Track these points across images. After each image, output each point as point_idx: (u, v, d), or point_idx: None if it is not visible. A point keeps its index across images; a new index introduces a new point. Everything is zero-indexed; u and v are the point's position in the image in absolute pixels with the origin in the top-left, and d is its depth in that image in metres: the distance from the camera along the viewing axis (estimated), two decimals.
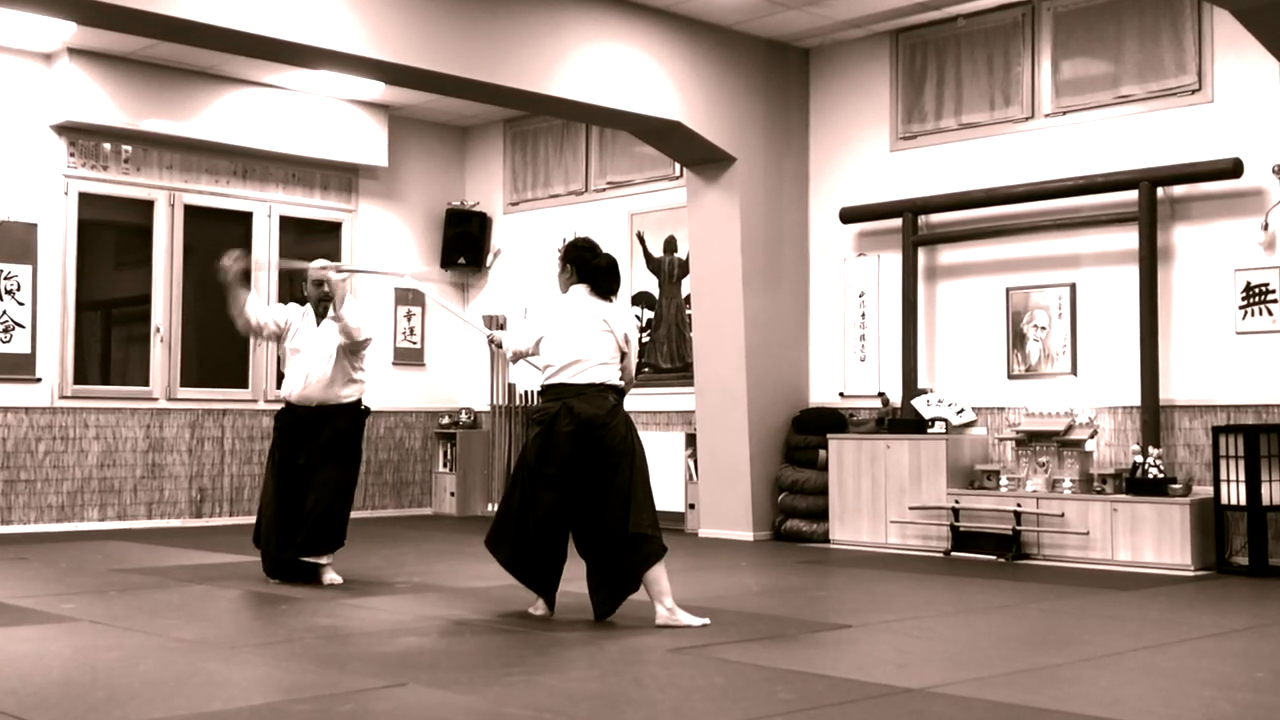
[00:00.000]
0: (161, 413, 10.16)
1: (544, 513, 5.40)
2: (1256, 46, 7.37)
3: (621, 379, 5.52)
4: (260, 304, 6.88)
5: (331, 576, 6.52)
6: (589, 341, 5.44)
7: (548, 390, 5.48)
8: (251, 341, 10.59)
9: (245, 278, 6.70)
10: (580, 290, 5.57)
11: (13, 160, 9.62)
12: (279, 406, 6.85)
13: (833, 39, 9.39)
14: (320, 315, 6.69)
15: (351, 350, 6.65)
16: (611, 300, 5.61)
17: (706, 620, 5.27)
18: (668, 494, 9.63)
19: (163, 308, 10.20)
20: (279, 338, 6.86)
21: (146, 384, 10.15)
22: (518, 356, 5.72)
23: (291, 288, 10.95)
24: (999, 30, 8.70)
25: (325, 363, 6.61)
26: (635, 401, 10.42)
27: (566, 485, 5.35)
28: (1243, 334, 7.64)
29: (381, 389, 11.26)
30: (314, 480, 6.53)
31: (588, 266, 5.58)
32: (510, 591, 6.33)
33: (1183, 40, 7.92)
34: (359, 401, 6.73)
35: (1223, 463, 7.28)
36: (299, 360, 6.68)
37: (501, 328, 11.43)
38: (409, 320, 11.55)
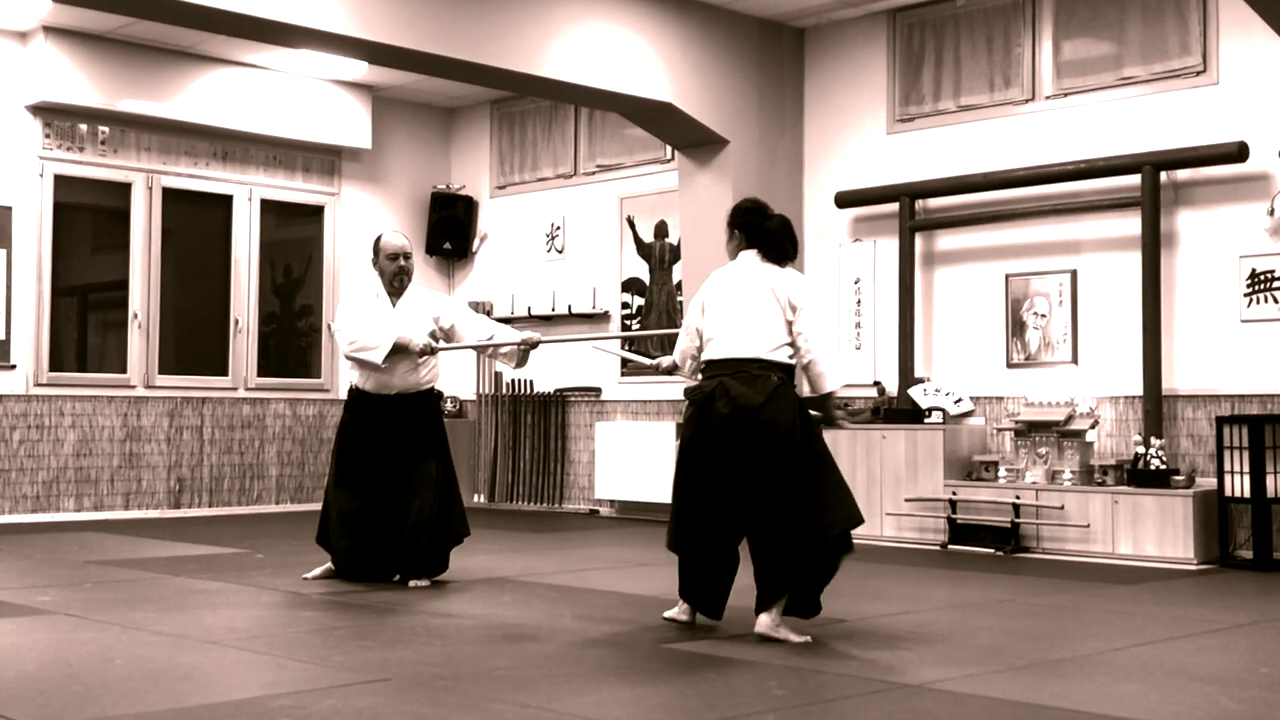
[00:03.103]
0: (139, 401, 10.01)
1: (704, 505, 4.86)
2: (1263, 27, 7.27)
3: (794, 359, 4.89)
4: (371, 331, 6.12)
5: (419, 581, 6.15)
6: (751, 311, 4.87)
7: (708, 366, 4.94)
8: (232, 328, 10.45)
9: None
10: (749, 257, 5.01)
11: None
12: (347, 395, 6.40)
13: (828, 18, 9.28)
14: (395, 292, 6.26)
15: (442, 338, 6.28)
16: (785, 265, 5.01)
17: (808, 637, 4.80)
18: (659, 485, 9.49)
19: (140, 293, 10.04)
20: None
21: (124, 371, 10.00)
22: (694, 363, 5.06)
23: (273, 274, 10.81)
24: (999, 10, 8.58)
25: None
26: (628, 390, 10.30)
27: (725, 476, 4.78)
28: (1248, 322, 7.54)
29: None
30: (413, 479, 6.11)
31: (758, 230, 5.02)
32: (496, 586, 6.24)
33: (1187, 21, 7.80)
34: (434, 388, 6.36)
35: (1226, 454, 7.19)
36: None
37: (488, 313, 11.29)
38: None
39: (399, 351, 6.09)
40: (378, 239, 6.34)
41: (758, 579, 4.82)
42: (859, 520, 4.85)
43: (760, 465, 4.75)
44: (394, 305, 6.24)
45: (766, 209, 5.13)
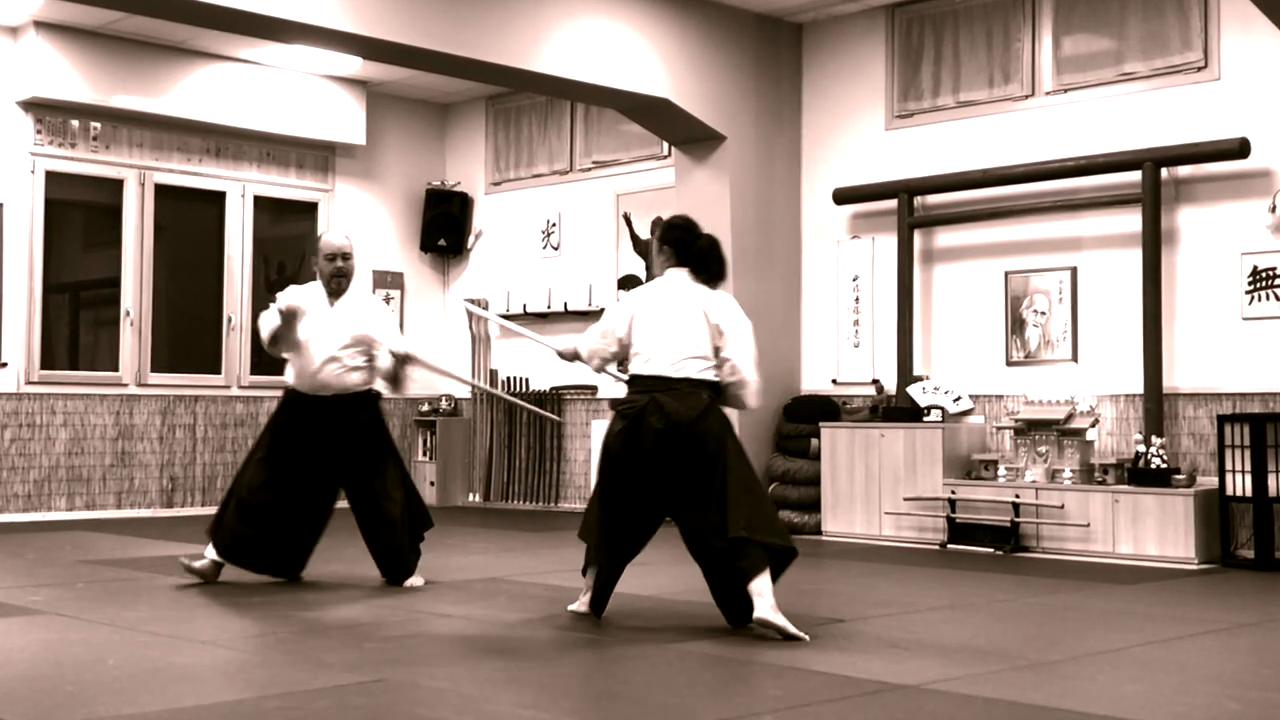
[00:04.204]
0: (131, 399, 9.93)
1: (623, 515, 5.03)
2: (1265, 23, 7.24)
3: (720, 377, 5.01)
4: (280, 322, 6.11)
5: (415, 580, 6.10)
6: (684, 330, 4.99)
7: (635, 380, 5.05)
8: (224, 325, 10.38)
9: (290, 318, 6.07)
10: (680, 275, 5.12)
11: None
12: (281, 394, 6.31)
13: (827, 14, 9.22)
14: (333, 293, 6.16)
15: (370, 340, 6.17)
16: (716, 286, 5.14)
17: (806, 636, 4.78)
18: None
19: (133, 290, 9.96)
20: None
21: (116, 369, 9.91)
22: (603, 363, 5.23)
23: (267, 270, 10.74)
24: (998, 5, 8.53)
25: (341, 349, 6.08)
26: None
27: (649, 487, 4.96)
28: (1249, 320, 7.49)
29: None
30: (370, 483, 6.05)
31: (688, 249, 5.12)
32: (492, 585, 6.20)
33: (1188, 16, 7.75)
34: (372, 388, 6.24)
35: (1228, 452, 7.15)
36: (310, 345, 6.10)
37: (482, 304, 11.22)
38: (387, 304, 11.33)
39: (290, 320, 5.96)
40: (318, 238, 6.24)
41: (724, 583, 4.90)
42: (764, 554, 4.86)
43: (694, 473, 4.88)
44: (331, 305, 6.14)
45: (696, 227, 5.22)
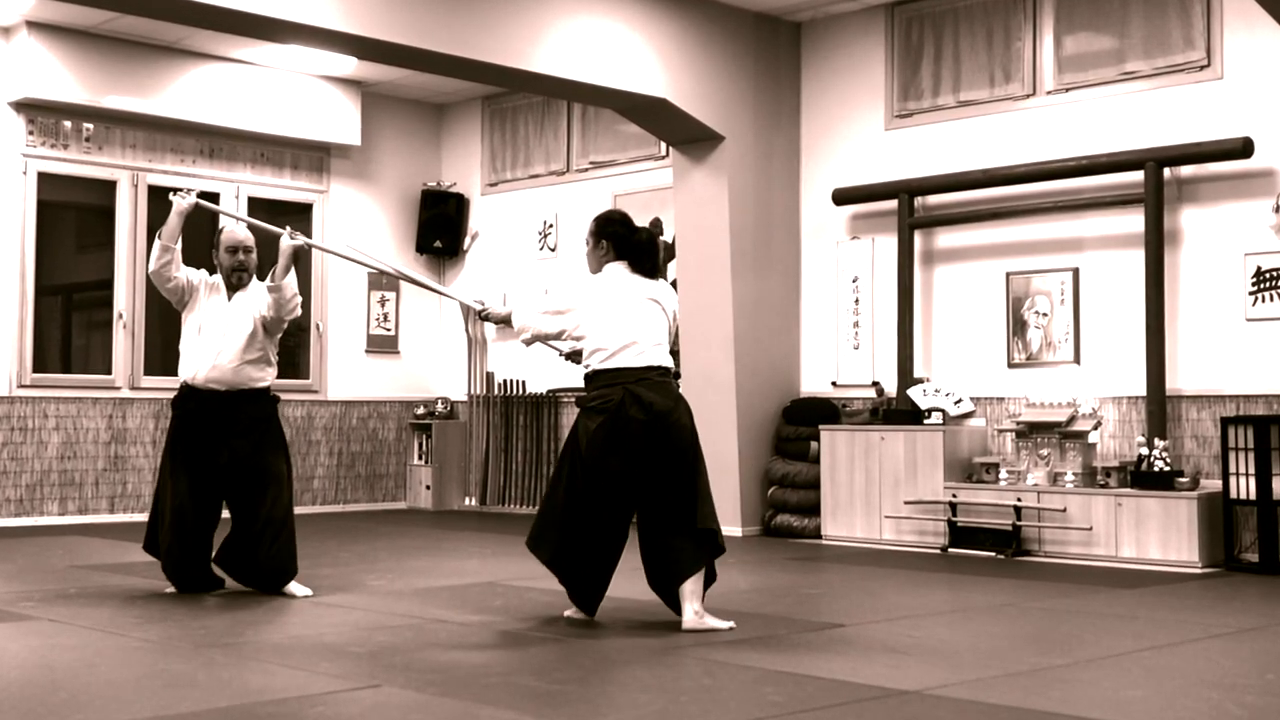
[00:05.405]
0: (124, 402, 9.87)
1: (601, 511, 5.05)
2: (1268, 21, 7.21)
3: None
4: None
5: (299, 588, 5.92)
6: (643, 321, 5.10)
7: (600, 375, 5.08)
8: None
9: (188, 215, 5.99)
10: (619, 268, 5.19)
11: None
12: (175, 392, 6.09)
13: (825, 13, 9.18)
14: (233, 288, 6.03)
15: (273, 327, 6.01)
16: (656, 279, 5.24)
17: (732, 624, 5.01)
18: None
19: (125, 292, 9.90)
20: (180, 302, 6.08)
21: (109, 372, 9.86)
22: (534, 339, 5.29)
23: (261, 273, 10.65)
24: (999, 3, 8.49)
25: (239, 341, 5.93)
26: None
27: (630, 480, 5.01)
28: (1253, 321, 7.44)
29: (354, 378, 11.07)
30: (259, 478, 5.87)
31: (627, 242, 5.21)
32: (488, 589, 6.17)
33: (1190, 14, 7.71)
34: (270, 387, 6.08)
35: (1231, 455, 7.10)
36: (207, 337, 5.96)
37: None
38: (383, 306, 11.31)
39: (172, 230, 5.94)
40: (218, 231, 6.15)
41: (664, 576, 5.04)
42: (721, 546, 5.11)
43: (667, 463, 5.00)
44: (229, 299, 6.02)
45: (633, 222, 5.31)
